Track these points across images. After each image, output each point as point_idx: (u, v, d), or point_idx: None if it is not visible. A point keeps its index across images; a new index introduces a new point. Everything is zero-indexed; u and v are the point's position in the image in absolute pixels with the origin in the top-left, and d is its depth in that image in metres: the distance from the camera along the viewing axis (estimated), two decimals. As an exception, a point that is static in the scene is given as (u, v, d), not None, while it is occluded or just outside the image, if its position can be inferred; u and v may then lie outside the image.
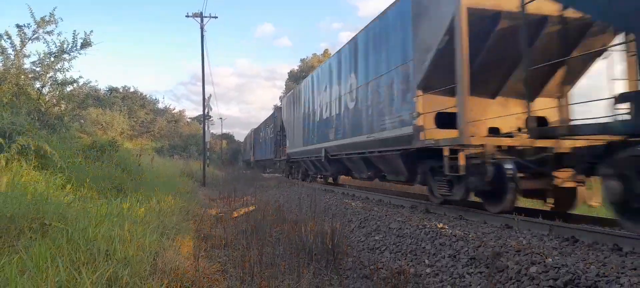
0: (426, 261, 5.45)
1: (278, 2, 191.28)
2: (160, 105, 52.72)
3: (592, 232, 5.02)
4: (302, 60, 60.42)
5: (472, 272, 4.72)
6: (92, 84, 14.03)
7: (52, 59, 11.24)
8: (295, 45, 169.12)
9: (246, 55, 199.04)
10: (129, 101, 41.76)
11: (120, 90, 43.88)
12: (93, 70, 54.62)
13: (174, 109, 57.01)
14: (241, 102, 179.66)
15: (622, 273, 3.65)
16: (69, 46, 11.52)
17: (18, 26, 10.86)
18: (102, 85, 43.96)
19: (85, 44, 11.69)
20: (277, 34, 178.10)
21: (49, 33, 11.17)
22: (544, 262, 4.16)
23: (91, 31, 11.80)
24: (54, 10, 11.14)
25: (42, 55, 11.24)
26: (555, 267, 3.99)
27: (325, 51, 54.02)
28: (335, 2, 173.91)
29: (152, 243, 4.59)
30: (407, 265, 5.54)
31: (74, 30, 12.20)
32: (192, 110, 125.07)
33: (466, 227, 6.27)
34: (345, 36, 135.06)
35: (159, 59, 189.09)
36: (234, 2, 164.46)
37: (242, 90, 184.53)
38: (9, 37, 10.72)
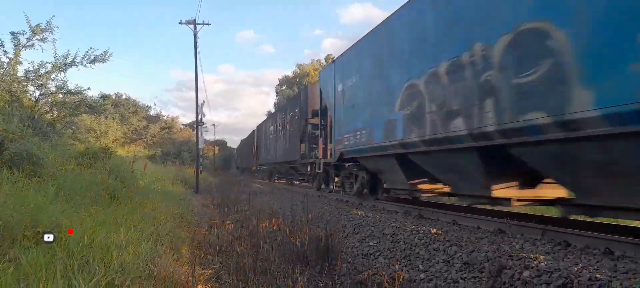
0: (420, 266, 5.48)
1: (258, 9, 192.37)
2: (152, 112, 52.35)
3: (584, 236, 5.09)
4: (298, 66, 60.53)
5: (466, 277, 4.75)
6: (84, 91, 13.94)
7: (51, 67, 11.25)
8: (279, 52, 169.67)
9: (229, 61, 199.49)
10: (121, 108, 41.43)
11: (113, 97, 43.49)
12: (80, 77, 54.82)
13: (166, 116, 56.52)
14: (229, 109, 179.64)
15: (614, 276, 3.70)
16: (80, 59, 11.69)
17: (12, 33, 10.84)
18: (94, 91, 43.75)
19: (97, 59, 11.85)
20: (259, 41, 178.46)
21: (43, 41, 11.15)
22: (537, 266, 4.20)
23: (108, 49, 12.05)
24: (51, 18, 11.18)
25: (41, 64, 11.27)
26: (549, 271, 4.03)
27: (328, 56, 54.90)
28: (317, 10, 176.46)
29: (148, 250, 4.58)
30: (402, 270, 5.57)
31: (90, 47, 12.42)
32: (181, 117, 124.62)
33: (459, 232, 6.31)
34: (328, 43, 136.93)
35: (143, 65, 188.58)
36: (213, 8, 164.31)
37: (228, 96, 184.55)
38: (2, 45, 10.67)
